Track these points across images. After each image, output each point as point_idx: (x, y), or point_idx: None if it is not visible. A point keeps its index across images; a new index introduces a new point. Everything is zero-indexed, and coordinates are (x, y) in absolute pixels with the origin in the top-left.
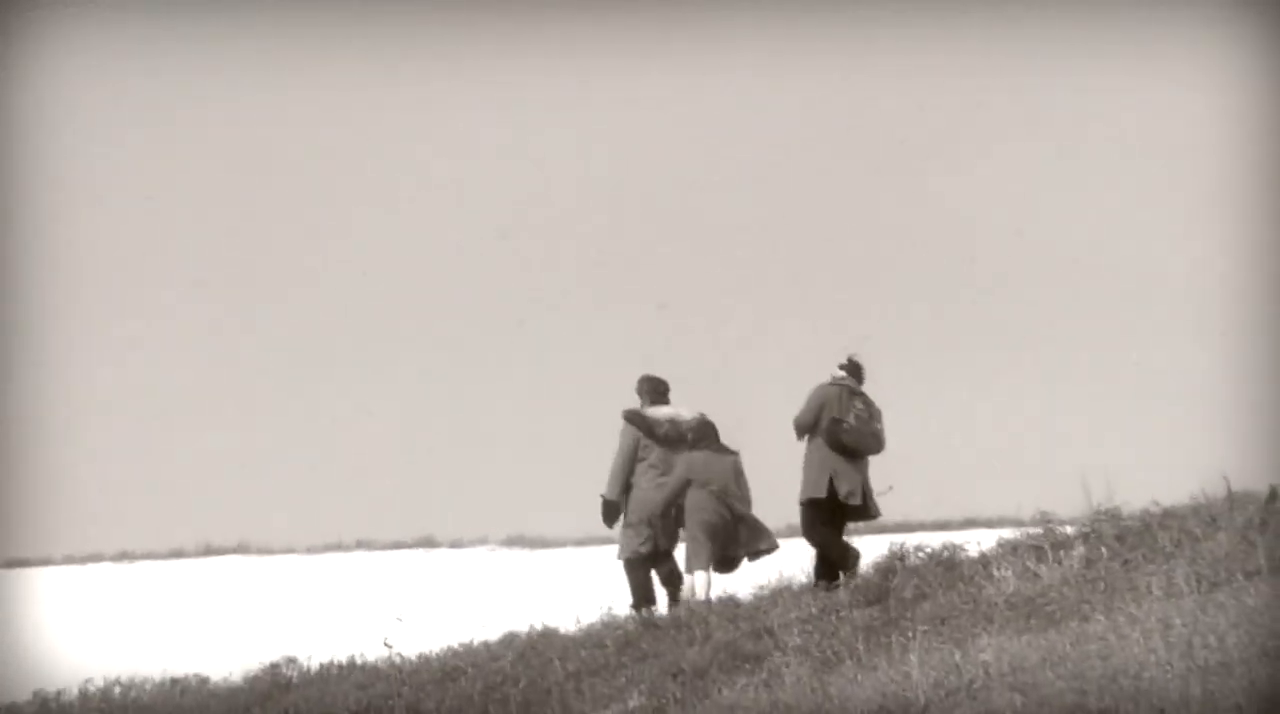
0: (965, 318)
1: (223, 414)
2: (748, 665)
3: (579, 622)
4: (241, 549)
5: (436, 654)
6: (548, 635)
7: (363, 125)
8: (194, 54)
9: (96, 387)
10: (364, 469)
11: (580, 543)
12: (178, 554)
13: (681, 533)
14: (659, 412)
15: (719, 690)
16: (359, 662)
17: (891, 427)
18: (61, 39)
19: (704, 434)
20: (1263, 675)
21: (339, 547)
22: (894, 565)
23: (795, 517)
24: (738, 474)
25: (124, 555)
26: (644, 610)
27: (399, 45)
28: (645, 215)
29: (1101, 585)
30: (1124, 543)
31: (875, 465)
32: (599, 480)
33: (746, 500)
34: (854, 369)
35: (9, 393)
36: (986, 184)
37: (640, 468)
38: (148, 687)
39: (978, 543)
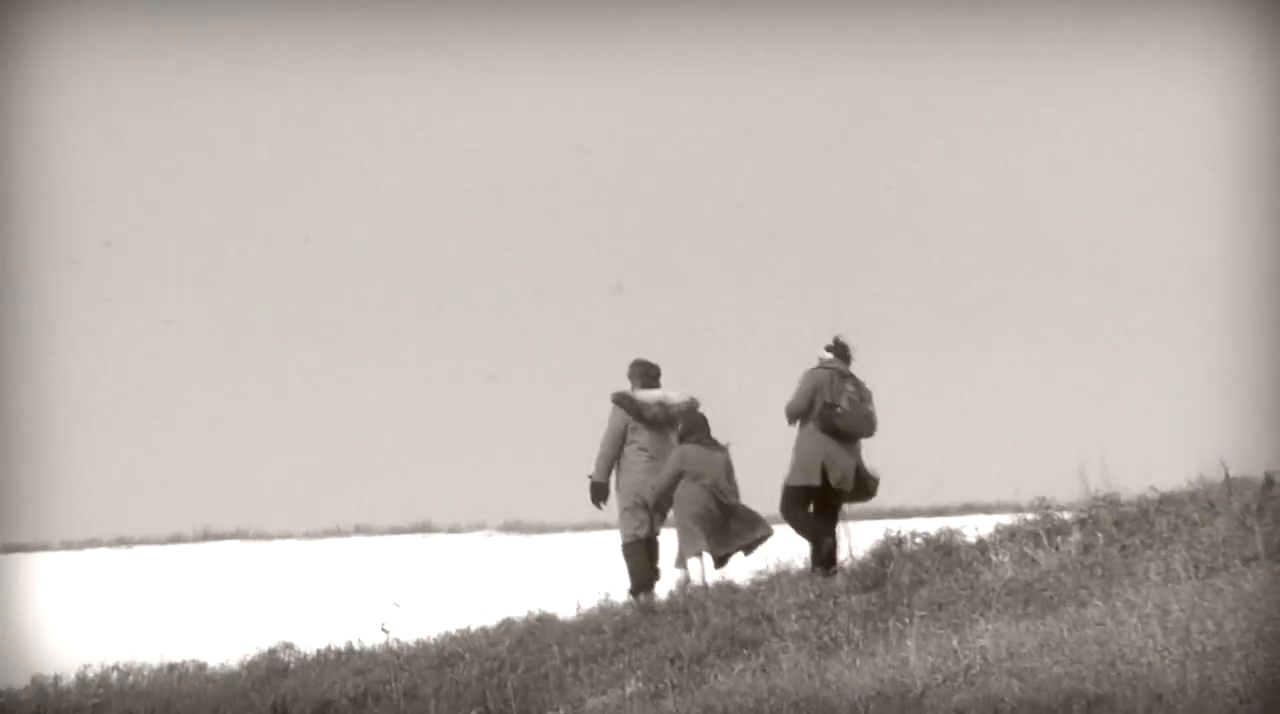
0: (962, 304)
1: (221, 400)
2: (745, 651)
3: (577, 607)
4: (239, 535)
5: (434, 640)
6: (545, 621)
7: (360, 120)
8: (194, 53)
9: (94, 373)
10: (362, 455)
11: (578, 529)
12: (176, 540)
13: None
14: (648, 395)
15: (716, 676)
16: (356, 648)
17: (889, 413)
18: (61, 39)
19: (696, 425)
20: (1260, 661)
21: (337, 532)
22: (891, 551)
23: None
24: (728, 470)
25: (122, 541)
26: (642, 595)
27: (396, 43)
28: (644, 206)
29: (1099, 571)
30: (1122, 529)
31: (872, 453)
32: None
33: (736, 495)
34: (841, 350)
35: (7, 380)
36: (986, 175)
37: (630, 451)
38: (145, 672)
39: (975, 529)
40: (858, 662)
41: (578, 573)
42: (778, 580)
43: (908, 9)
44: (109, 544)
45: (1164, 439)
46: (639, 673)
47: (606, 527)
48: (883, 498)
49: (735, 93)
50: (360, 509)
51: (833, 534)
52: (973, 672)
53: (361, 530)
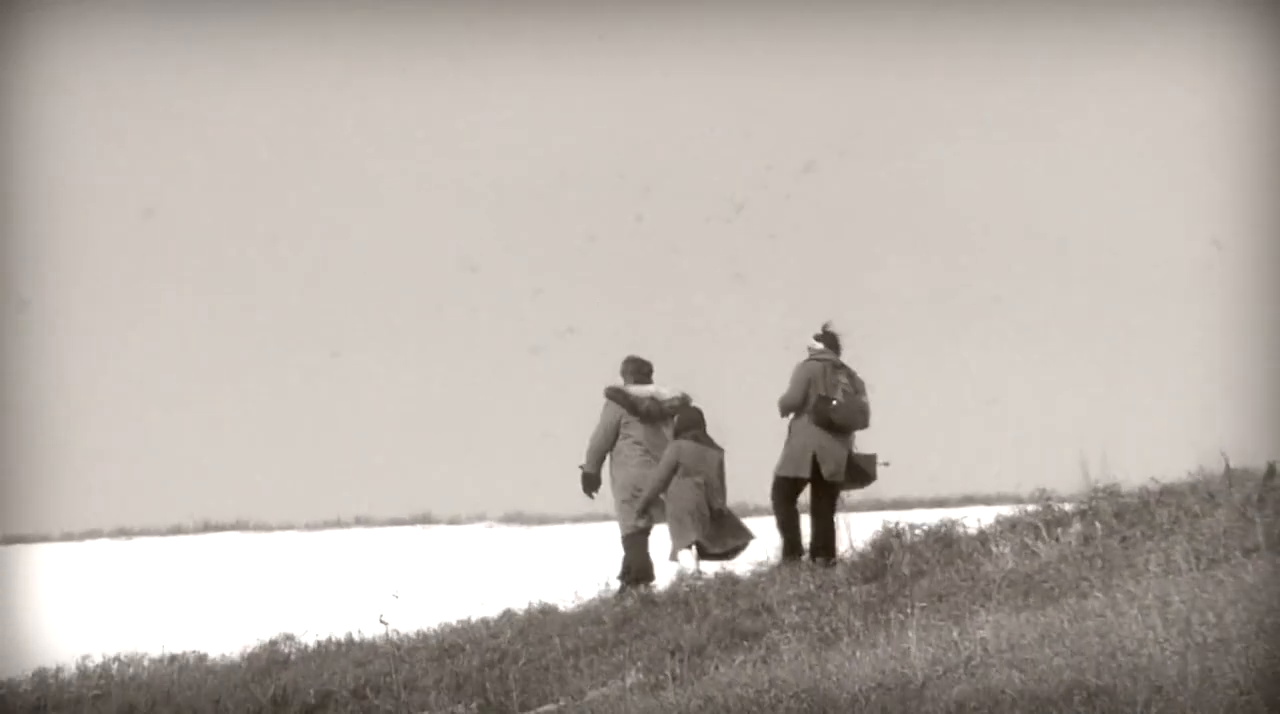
0: (963, 299)
1: (222, 393)
2: (746, 642)
3: (577, 598)
4: (240, 526)
5: (434, 631)
6: (546, 612)
7: (360, 120)
8: (194, 53)
9: (95, 366)
10: (362, 447)
11: (578, 520)
12: (176, 531)
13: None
14: (641, 389)
15: (716, 667)
16: (357, 639)
17: (890, 406)
18: (61, 39)
19: (693, 421)
20: (1261, 652)
21: (337, 523)
22: (891, 543)
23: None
24: (721, 470)
25: (122, 532)
26: (643, 586)
27: (396, 43)
28: (644, 206)
29: (1099, 563)
30: (1122, 520)
31: (874, 444)
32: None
33: (724, 497)
34: (830, 340)
35: (7, 374)
36: (986, 175)
37: (625, 445)
38: (146, 663)
39: (976, 520)
40: (858, 653)
41: (578, 564)
42: (778, 572)
43: (908, 9)
44: (109, 535)
45: (1164, 430)
46: (639, 664)
47: (606, 518)
48: (883, 489)
49: (735, 93)
50: (360, 500)
51: (831, 524)
52: (973, 663)
53: (362, 522)
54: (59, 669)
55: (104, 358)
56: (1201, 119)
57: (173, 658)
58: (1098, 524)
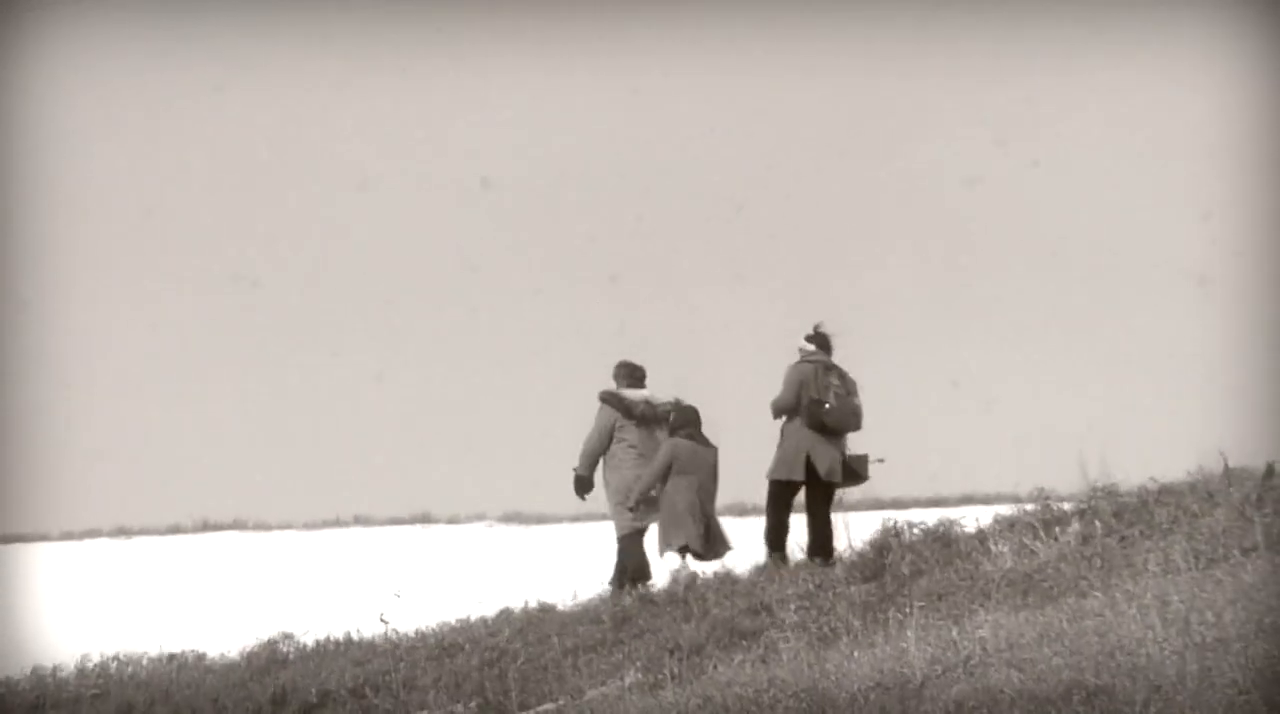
0: (962, 297)
1: (220, 390)
2: (744, 642)
3: (576, 597)
4: (239, 525)
5: (433, 630)
6: (545, 611)
7: (360, 120)
8: (194, 53)
9: (93, 363)
10: (361, 445)
11: (577, 519)
12: (175, 530)
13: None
14: (635, 393)
15: (715, 667)
16: (356, 638)
17: (889, 403)
18: (61, 39)
19: (688, 419)
20: (1259, 652)
21: (336, 523)
22: (890, 542)
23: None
24: (714, 470)
25: (121, 531)
26: (641, 585)
27: (396, 43)
28: (644, 205)
29: (1098, 562)
30: (1121, 519)
31: (873, 443)
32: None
33: (714, 498)
34: (822, 341)
35: (6, 372)
36: (985, 175)
37: (619, 449)
38: (145, 662)
39: (975, 519)
40: (857, 652)
41: (577, 564)
42: (777, 571)
43: (907, 9)
44: (108, 534)
45: (1163, 430)
46: (638, 663)
47: (605, 518)
48: (882, 488)
49: (735, 93)
50: (359, 500)
51: (827, 524)
52: (972, 662)
53: (361, 521)
54: (57, 668)
55: (103, 357)
56: (1201, 119)
57: (171, 657)
58: (1096, 524)
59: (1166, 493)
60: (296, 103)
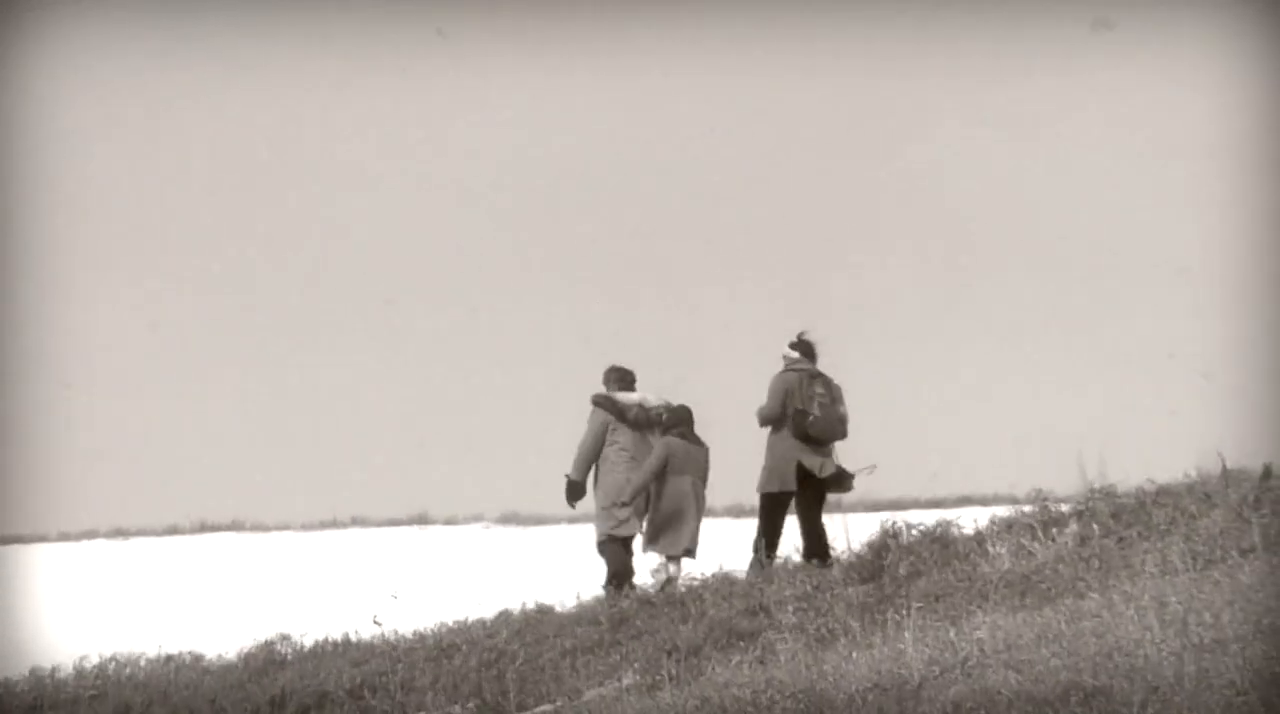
0: (960, 295)
1: (218, 391)
2: (742, 643)
3: (576, 598)
4: (236, 526)
5: (431, 631)
6: (543, 613)
7: (360, 120)
8: (194, 53)
9: (91, 363)
10: (359, 446)
11: (574, 521)
12: (173, 531)
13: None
14: (628, 397)
15: (713, 668)
16: (354, 639)
17: (887, 404)
18: (61, 39)
19: (681, 419)
20: (1258, 653)
21: (334, 524)
22: (888, 543)
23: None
24: (706, 469)
25: (119, 532)
26: (626, 586)
27: (396, 43)
28: (644, 205)
29: (1096, 563)
30: (1119, 520)
31: (871, 442)
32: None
33: (703, 496)
34: (806, 348)
35: (4, 373)
36: (986, 175)
37: (611, 452)
38: (142, 663)
39: (973, 520)
40: (855, 654)
41: (575, 565)
42: (775, 572)
43: (907, 9)
44: (106, 535)
45: (1161, 431)
46: (636, 665)
47: None
48: (880, 490)
49: (735, 93)
50: (357, 501)
51: (820, 527)
52: (970, 663)
53: (358, 522)
54: (55, 669)
55: (100, 357)
56: (1201, 119)
57: (169, 658)
58: (1094, 525)
59: (1164, 494)
60: (296, 103)
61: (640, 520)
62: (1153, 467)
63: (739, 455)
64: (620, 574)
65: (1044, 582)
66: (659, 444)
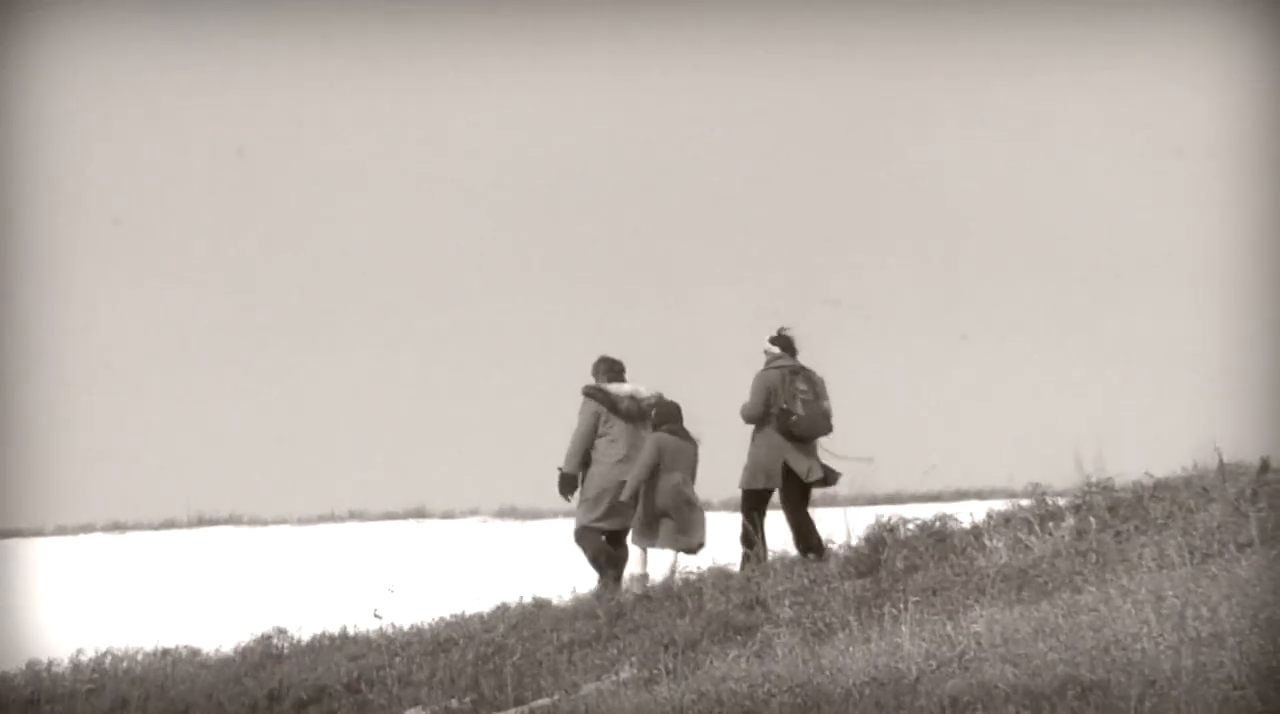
0: (957, 289)
1: (216, 385)
2: (739, 637)
3: (573, 592)
4: (234, 520)
5: (429, 625)
6: (540, 607)
7: (360, 120)
8: (193, 53)
9: (88, 358)
10: (356, 440)
11: (572, 515)
12: (170, 525)
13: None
14: (619, 388)
15: (710, 662)
16: (351, 633)
17: (885, 398)
18: (61, 39)
19: (670, 415)
20: (1255, 647)
21: (331, 518)
22: (885, 537)
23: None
24: (695, 463)
25: (116, 526)
26: (610, 572)
27: (396, 43)
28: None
29: (1093, 557)
30: (1116, 514)
31: (870, 438)
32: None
33: (691, 489)
34: (786, 344)
35: (2, 367)
36: (985, 175)
37: (601, 443)
38: (139, 657)
39: (969, 514)
40: (852, 648)
41: (572, 559)
42: (772, 566)
43: (907, 9)
44: (103, 529)
45: (1159, 425)
46: (633, 658)
47: None
48: (877, 484)
49: (735, 93)
50: (355, 494)
51: (809, 521)
52: (967, 657)
53: (356, 516)
54: (52, 663)
55: (97, 353)
56: (1201, 119)
57: (166, 652)
58: (1091, 519)
59: (1161, 488)
60: (296, 102)
61: (619, 517)
62: (1150, 460)
63: (741, 453)
64: (597, 560)
65: (1041, 576)
66: (650, 440)
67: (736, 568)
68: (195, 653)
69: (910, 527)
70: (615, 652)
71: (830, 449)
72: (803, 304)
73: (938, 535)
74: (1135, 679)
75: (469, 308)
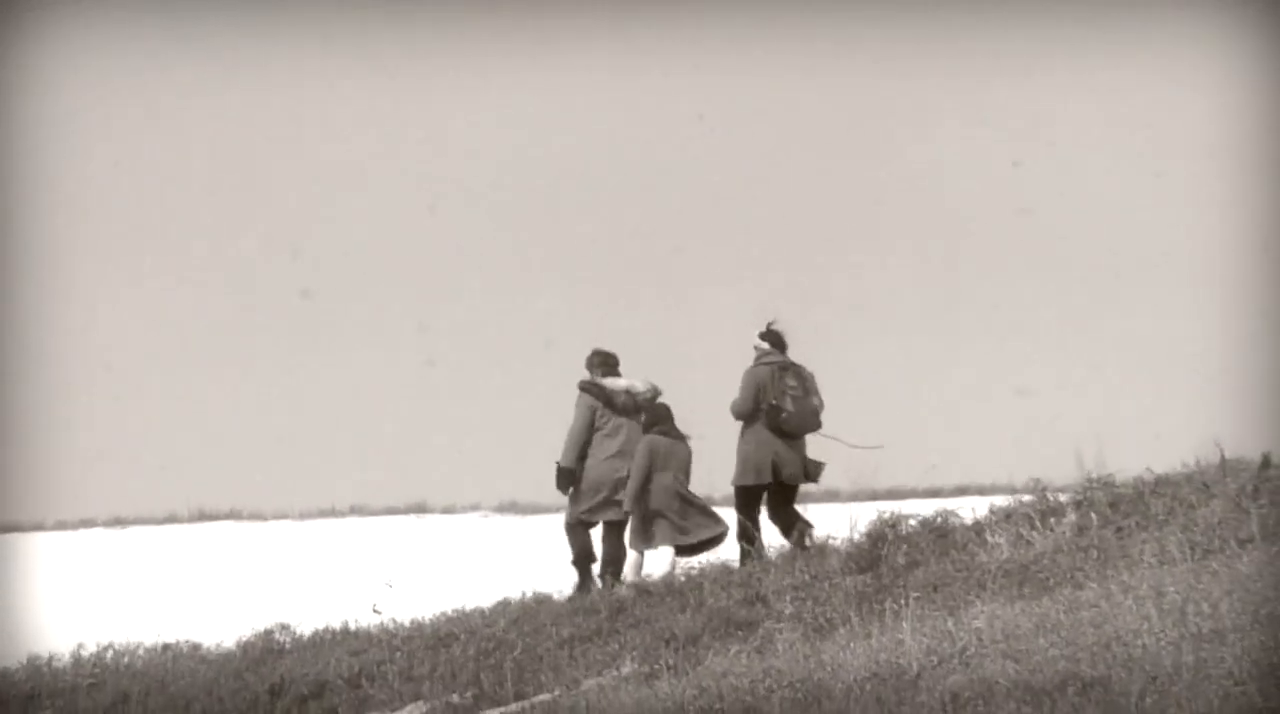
0: (958, 285)
1: (216, 380)
2: (740, 632)
3: (574, 587)
4: (234, 515)
5: (429, 620)
6: (540, 602)
7: (360, 120)
8: (193, 53)
9: (89, 354)
10: (357, 435)
11: None
12: (171, 520)
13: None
14: (615, 383)
15: (711, 657)
16: (352, 628)
17: (886, 394)
18: (61, 39)
19: (661, 416)
20: (1255, 643)
21: (332, 512)
22: (886, 533)
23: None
24: (688, 462)
25: (117, 521)
26: (591, 565)
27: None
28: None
29: (1095, 553)
30: (1117, 510)
31: (870, 432)
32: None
33: (687, 486)
34: (775, 339)
35: (3, 363)
36: (985, 169)
37: (597, 436)
38: (140, 652)
39: (971, 510)
40: (853, 643)
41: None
42: (772, 562)
43: (907, 9)
44: (104, 524)
45: (1160, 421)
46: (634, 654)
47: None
48: (879, 479)
49: (735, 92)
50: (355, 490)
51: (794, 517)
52: (968, 653)
53: (356, 511)
54: (53, 658)
55: (98, 348)
56: (1201, 119)
57: (167, 647)
58: (1093, 515)
59: (1163, 484)
60: (296, 102)
61: (613, 509)
62: (1151, 456)
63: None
64: (580, 559)
65: (1042, 571)
66: (642, 444)
67: (737, 563)
68: (196, 648)
69: (911, 522)
70: (616, 647)
71: (840, 437)
72: (803, 304)
73: (939, 531)
74: (1136, 675)
75: (469, 307)
